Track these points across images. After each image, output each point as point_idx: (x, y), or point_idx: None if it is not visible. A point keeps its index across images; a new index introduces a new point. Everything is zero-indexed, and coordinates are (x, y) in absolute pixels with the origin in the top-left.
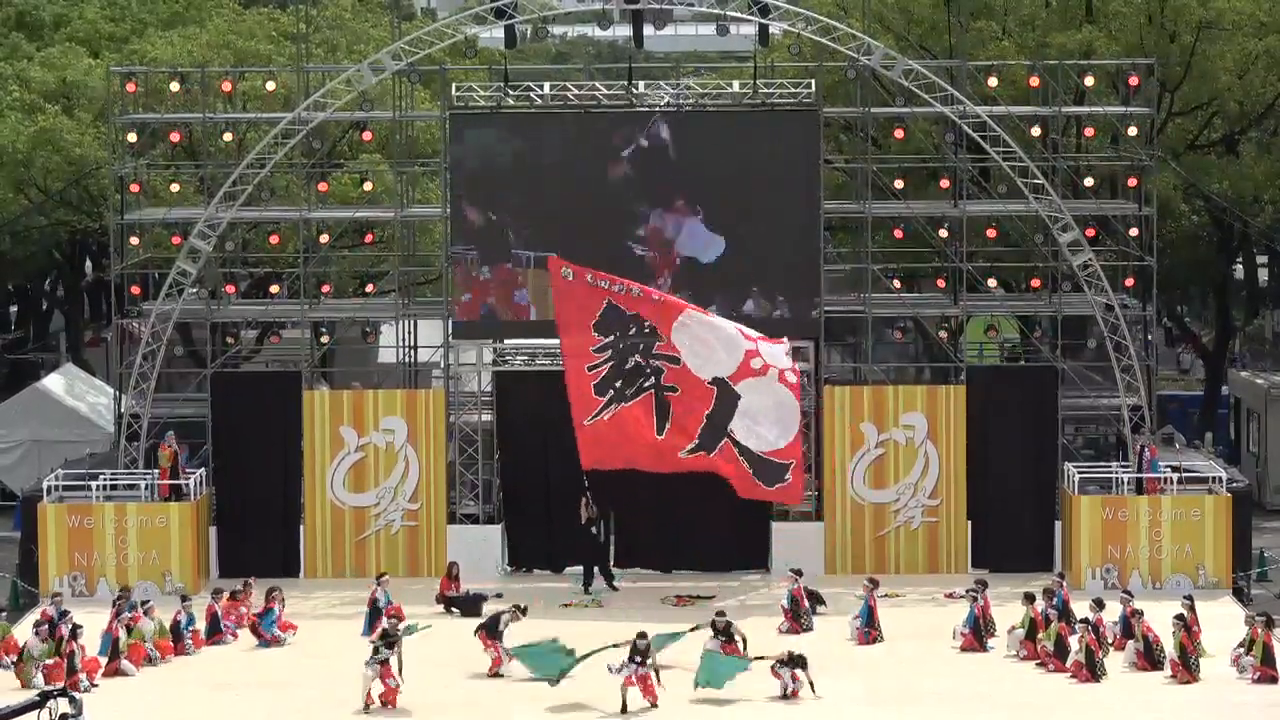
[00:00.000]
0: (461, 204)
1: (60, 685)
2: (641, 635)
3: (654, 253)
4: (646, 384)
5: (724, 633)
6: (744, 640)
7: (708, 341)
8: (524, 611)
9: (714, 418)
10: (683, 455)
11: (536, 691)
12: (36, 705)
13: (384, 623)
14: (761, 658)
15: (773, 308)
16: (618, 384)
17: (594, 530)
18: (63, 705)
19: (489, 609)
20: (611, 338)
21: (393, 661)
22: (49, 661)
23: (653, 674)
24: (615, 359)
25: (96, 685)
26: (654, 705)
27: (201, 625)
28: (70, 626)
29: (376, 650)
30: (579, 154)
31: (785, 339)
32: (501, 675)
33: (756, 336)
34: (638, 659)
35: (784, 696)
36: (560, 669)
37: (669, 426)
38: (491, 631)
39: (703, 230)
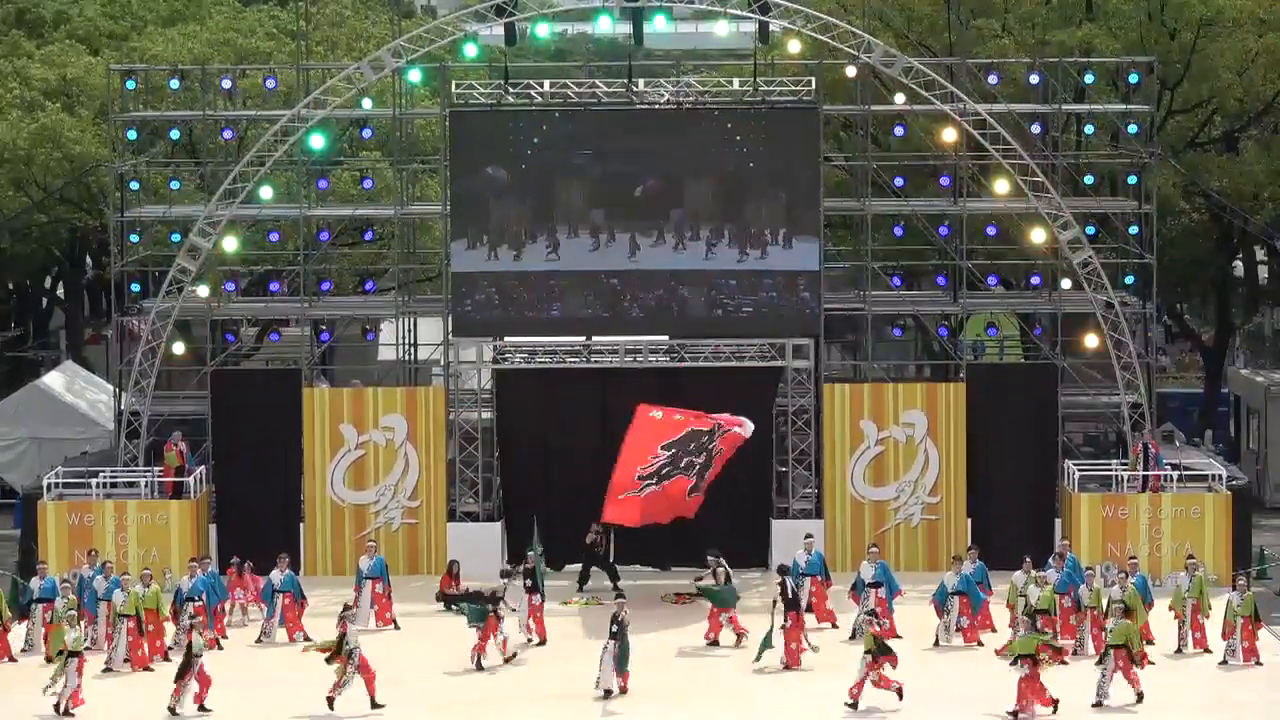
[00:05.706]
0: (461, 201)
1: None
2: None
3: (654, 250)
4: (691, 471)
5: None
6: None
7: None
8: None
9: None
10: (688, 498)
11: (536, 689)
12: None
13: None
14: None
15: (772, 305)
16: (664, 471)
17: (598, 551)
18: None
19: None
20: (675, 451)
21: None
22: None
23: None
24: (671, 460)
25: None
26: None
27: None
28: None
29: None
30: (578, 152)
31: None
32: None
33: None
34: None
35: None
36: None
37: (700, 485)
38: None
39: (703, 228)
